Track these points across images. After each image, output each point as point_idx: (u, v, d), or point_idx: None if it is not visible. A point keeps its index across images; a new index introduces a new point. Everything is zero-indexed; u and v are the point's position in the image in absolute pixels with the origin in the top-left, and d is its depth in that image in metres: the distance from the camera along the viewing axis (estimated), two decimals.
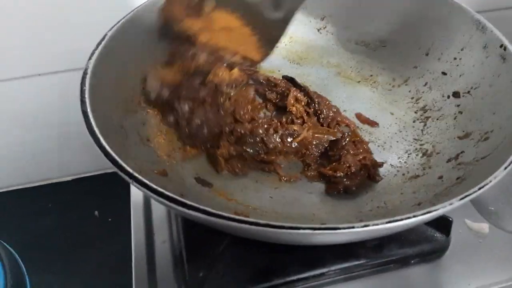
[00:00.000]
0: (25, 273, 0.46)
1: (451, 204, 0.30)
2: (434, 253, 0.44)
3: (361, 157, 0.45)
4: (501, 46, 0.45)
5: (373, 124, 0.51)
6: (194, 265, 0.42)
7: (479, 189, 0.31)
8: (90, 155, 0.67)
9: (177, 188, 0.39)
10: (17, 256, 0.47)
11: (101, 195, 0.68)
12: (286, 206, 0.43)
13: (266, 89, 0.52)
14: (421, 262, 0.44)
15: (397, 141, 0.49)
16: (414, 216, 0.29)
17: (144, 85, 0.45)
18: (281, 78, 0.53)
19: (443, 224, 0.44)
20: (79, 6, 0.56)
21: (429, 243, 0.44)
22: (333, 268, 0.42)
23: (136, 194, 0.50)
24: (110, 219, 0.67)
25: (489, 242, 0.46)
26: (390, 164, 0.46)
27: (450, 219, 0.44)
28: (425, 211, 0.29)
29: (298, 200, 0.44)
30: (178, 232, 0.45)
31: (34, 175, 0.71)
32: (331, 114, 0.50)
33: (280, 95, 0.51)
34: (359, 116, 0.52)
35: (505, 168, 0.33)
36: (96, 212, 0.68)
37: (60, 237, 0.64)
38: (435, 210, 0.29)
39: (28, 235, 0.64)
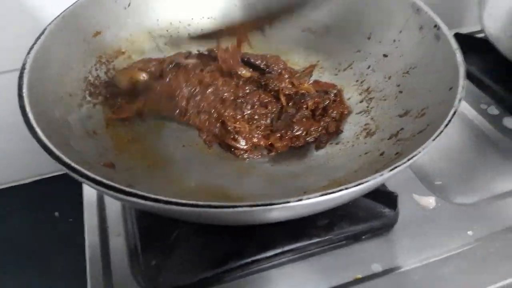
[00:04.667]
0: None
1: (381, 175, 0.32)
2: (384, 228, 0.46)
3: None
4: (435, 26, 0.46)
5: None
6: (149, 255, 0.42)
7: (408, 160, 0.33)
8: (47, 156, 0.66)
9: (125, 179, 0.39)
10: None
11: (60, 196, 0.67)
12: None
13: None
14: (372, 237, 0.45)
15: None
16: (346, 189, 0.30)
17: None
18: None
19: (389, 199, 0.46)
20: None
21: (378, 218, 0.46)
22: (286, 248, 0.43)
23: (89, 189, 0.50)
24: (70, 219, 0.66)
25: (435, 215, 0.48)
26: (336, 144, 0.48)
27: (396, 194, 0.46)
28: (356, 183, 0.31)
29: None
30: (132, 224, 0.45)
31: None
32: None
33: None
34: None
35: (433, 139, 0.35)
36: (57, 213, 0.67)
37: (20, 239, 0.64)
38: (366, 182, 0.31)
39: None
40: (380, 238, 0.46)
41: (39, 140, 0.32)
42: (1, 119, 0.64)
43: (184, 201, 0.28)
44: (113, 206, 0.48)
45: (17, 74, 0.57)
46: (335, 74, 0.55)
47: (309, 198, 0.29)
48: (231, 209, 0.29)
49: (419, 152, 0.33)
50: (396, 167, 0.32)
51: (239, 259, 0.42)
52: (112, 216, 0.48)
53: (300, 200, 0.29)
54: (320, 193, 0.30)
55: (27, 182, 0.72)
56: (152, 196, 0.29)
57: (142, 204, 0.29)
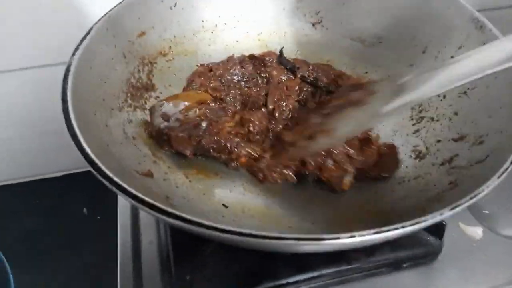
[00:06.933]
0: (9, 272, 0.45)
1: (441, 214, 0.29)
2: (427, 257, 0.44)
3: None
4: None
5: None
6: (181, 267, 0.41)
7: (471, 198, 0.30)
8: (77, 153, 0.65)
9: (162, 189, 0.38)
10: (1, 254, 0.46)
11: (90, 192, 0.65)
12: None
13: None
14: (413, 266, 0.43)
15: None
16: (402, 227, 0.28)
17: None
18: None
19: (436, 227, 0.44)
20: None
21: (422, 246, 0.44)
22: (324, 272, 0.42)
23: None
24: (99, 217, 0.65)
25: (482, 246, 0.45)
26: None
27: (444, 223, 0.44)
28: (414, 221, 0.28)
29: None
30: (166, 232, 0.44)
31: (21, 171, 0.70)
32: None
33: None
34: None
35: (499, 177, 0.32)
36: (85, 210, 0.67)
37: (47, 235, 0.63)
38: (424, 221, 0.29)
39: (14, 233, 0.63)
40: (422, 268, 0.44)
41: (81, 149, 0.31)
42: (31, 111, 0.64)
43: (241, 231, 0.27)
44: None
45: (44, 70, 0.58)
46: None
47: (362, 236, 0.27)
48: (276, 241, 0.28)
49: (483, 191, 0.31)
50: (457, 206, 0.30)
51: (274, 279, 0.41)
52: (145, 220, 0.47)
53: (353, 237, 0.27)
54: (374, 230, 0.27)
55: (57, 176, 0.71)
56: (208, 223, 0.27)
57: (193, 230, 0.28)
